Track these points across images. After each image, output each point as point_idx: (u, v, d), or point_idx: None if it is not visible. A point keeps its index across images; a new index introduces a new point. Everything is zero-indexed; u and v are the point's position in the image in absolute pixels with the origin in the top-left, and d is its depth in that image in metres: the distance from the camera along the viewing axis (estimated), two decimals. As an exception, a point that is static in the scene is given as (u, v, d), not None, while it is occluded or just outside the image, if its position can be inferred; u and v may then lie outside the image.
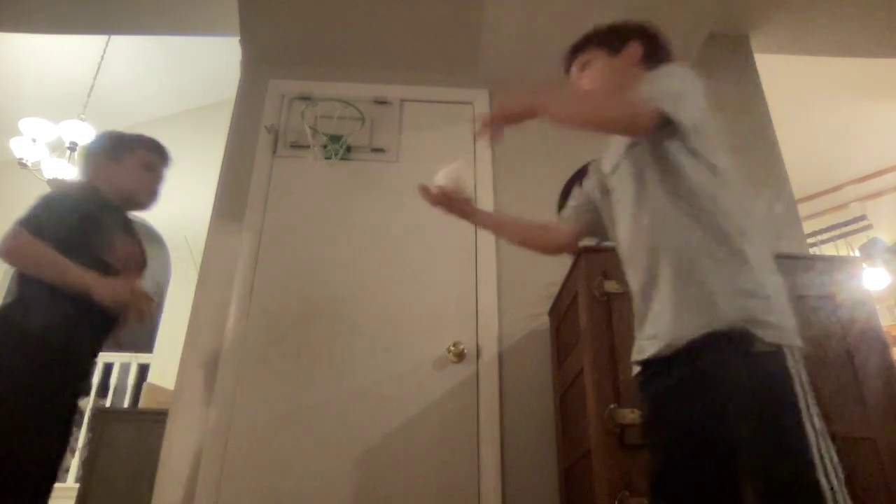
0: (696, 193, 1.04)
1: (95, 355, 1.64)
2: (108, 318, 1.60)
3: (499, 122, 1.12)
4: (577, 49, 1.34)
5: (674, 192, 1.05)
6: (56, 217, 1.50)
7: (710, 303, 0.95)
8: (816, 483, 0.84)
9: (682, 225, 1.03)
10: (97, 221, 1.56)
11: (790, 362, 0.91)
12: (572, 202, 1.41)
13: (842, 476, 0.86)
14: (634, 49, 1.30)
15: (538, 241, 1.45)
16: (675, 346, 0.99)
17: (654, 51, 1.32)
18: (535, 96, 1.09)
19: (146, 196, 1.75)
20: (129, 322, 1.68)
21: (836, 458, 0.88)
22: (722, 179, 1.09)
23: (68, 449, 1.62)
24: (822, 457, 0.86)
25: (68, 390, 1.54)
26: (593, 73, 1.30)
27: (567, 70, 1.36)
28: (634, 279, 1.13)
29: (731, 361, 0.92)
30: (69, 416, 1.57)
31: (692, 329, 0.96)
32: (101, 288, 1.50)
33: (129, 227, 1.72)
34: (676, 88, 1.11)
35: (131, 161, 1.70)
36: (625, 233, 1.16)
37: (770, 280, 0.99)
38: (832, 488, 0.84)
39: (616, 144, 1.23)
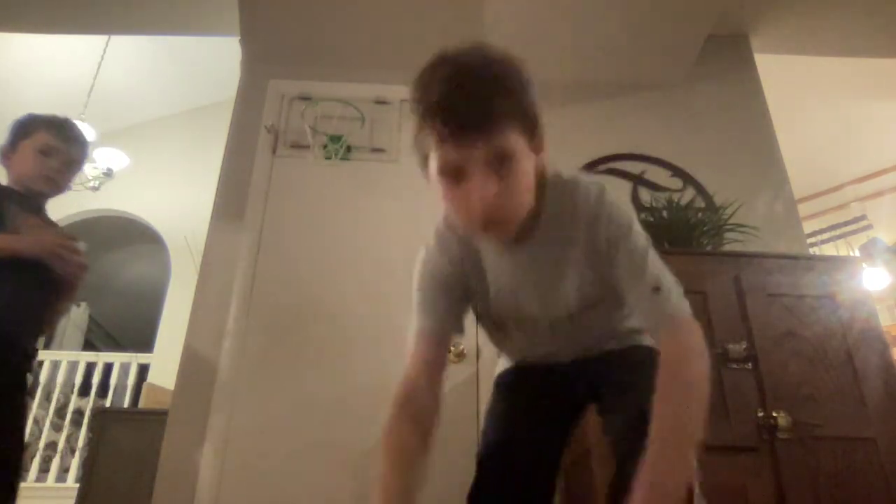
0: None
1: (36, 332, 1.57)
2: (43, 282, 1.50)
3: None
4: (494, 117, 0.79)
5: (613, 307, 1.05)
6: None
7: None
8: None
9: (613, 323, 1.08)
10: None
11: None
12: (441, 311, 1.01)
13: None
14: (546, 147, 0.92)
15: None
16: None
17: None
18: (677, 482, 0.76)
19: (40, 183, 1.61)
20: (67, 272, 1.55)
21: None
22: None
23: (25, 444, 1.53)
24: None
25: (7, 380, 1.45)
26: (522, 179, 0.84)
27: (469, 143, 0.79)
28: (545, 350, 1.11)
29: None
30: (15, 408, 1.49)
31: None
32: (20, 241, 1.44)
33: (41, 217, 1.63)
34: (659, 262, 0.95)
35: (26, 146, 1.61)
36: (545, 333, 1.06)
37: None
38: None
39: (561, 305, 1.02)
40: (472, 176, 0.81)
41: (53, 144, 1.63)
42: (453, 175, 0.82)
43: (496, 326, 1.11)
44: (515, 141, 0.82)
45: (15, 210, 1.52)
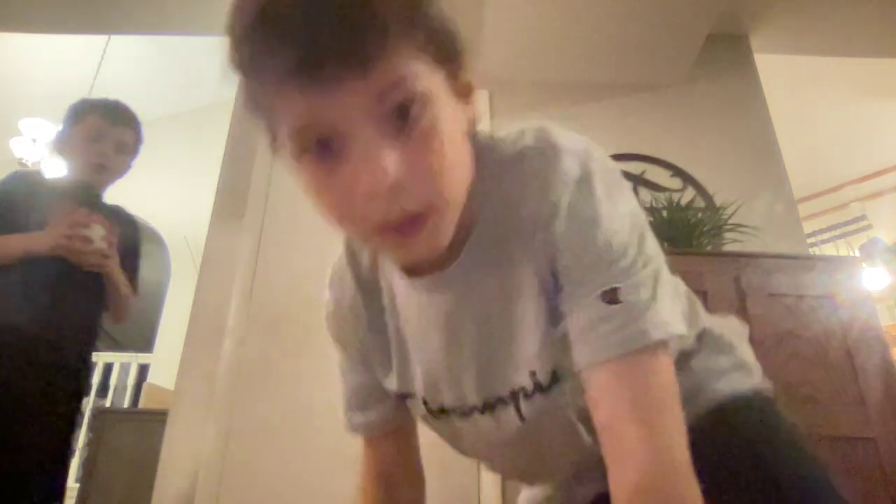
0: None
1: (83, 330, 1.50)
2: (77, 277, 1.42)
3: None
4: (378, 31, 0.43)
5: None
6: None
7: None
8: None
9: None
10: (19, 203, 1.43)
11: None
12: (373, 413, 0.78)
13: None
14: (475, 93, 0.60)
15: None
16: None
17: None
18: None
19: (89, 171, 1.55)
20: (86, 264, 1.45)
21: None
22: None
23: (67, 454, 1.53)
24: None
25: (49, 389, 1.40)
26: (446, 138, 0.48)
27: (339, 83, 0.43)
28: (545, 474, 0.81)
29: None
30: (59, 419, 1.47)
31: None
32: (30, 240, 1.37)
33: (95, 206, 1.54)
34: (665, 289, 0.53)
35: (78, 132, 1.56)
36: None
37: None
38: None
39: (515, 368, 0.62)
40: (355, 143, 0.45)
41: (101, 129, 1.55)
42: (322, 147, 0.46)
43: (432, 415, 0.73)
44: (423, 74, 0.47)
45: (42, 203, 1.44)
